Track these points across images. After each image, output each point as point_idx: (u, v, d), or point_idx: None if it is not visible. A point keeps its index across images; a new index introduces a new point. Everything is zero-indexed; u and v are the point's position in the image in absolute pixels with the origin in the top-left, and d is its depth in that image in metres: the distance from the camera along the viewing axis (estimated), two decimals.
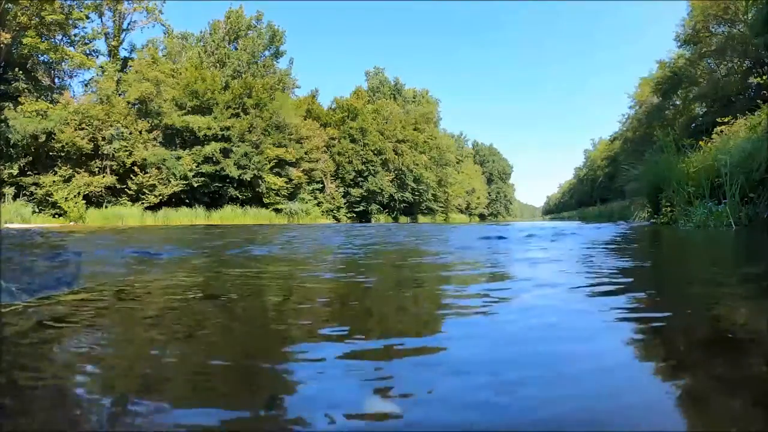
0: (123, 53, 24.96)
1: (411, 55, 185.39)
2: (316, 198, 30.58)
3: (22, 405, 0.63)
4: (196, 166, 23.24)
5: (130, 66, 23.03)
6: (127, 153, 21.12)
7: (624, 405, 0.62)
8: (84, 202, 19.55)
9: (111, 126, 20.55)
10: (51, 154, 19.37)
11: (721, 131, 10.07)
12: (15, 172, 18.49)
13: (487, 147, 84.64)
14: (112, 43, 24.27)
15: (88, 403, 0.65)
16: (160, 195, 21.79)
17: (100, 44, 24.35)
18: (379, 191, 35.88)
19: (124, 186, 21.35)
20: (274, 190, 26.16)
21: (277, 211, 26.17)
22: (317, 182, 31.04)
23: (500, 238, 4.80)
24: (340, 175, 33.90)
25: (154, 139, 22.55)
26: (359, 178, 35.01)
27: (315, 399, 0.65)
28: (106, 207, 20.54)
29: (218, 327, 1.10)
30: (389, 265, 2.66)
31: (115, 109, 20.88)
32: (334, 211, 32.09)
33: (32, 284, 1.54)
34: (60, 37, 21.44)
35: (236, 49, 30.75)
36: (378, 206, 36.44)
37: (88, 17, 22.13)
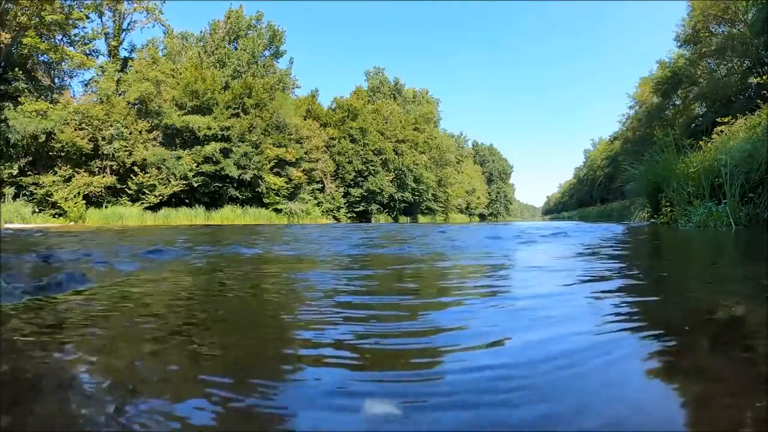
0: (123, 53, 25.00)
1: (411, 55, 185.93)
2: (316, 198, 30.59)
3: (22, 405, 0.63)
4: (196, 166, 23.24)
5: (130, 66, 23.03)
6: (127, 153, 21.12)
7: (623, 405, 0.62)
8: (84, 202, 19.56)
9: (111, 126, 20.55)
10: (51, 154, 19.37)
11: (721, 131, 10.06)
12: (15, 172, 18.50)
13: (487, 147, 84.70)
14: (112, 43, 24.27)
15: (89, 403, 0.65)
16: (160, 195, 21.78)
17: (100, 44, 24.39)
18: (379, 191, 35.90)
19: (124, 186, 21.35)
20: (274, 190, 26.16)
21: (277, 211, 26.17)
22: (317, 182, 31.05)
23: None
24: (340, 175, 33.90)
25: (154, 139, 22.55)
26: (359, 178, 35.03)
27: (315, 398, 0.65)
28: (106, 207, 20.54)
29: (220, 326, 1.10)
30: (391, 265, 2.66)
31: (115, 109, 20.89)
32: (334, 211, 32.10)
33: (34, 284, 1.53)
34: (60, 37, 21.44)
35: (236, 49, 30.77)
36: (378, 206, 36.47)
37: (88, 17, 22.14)
